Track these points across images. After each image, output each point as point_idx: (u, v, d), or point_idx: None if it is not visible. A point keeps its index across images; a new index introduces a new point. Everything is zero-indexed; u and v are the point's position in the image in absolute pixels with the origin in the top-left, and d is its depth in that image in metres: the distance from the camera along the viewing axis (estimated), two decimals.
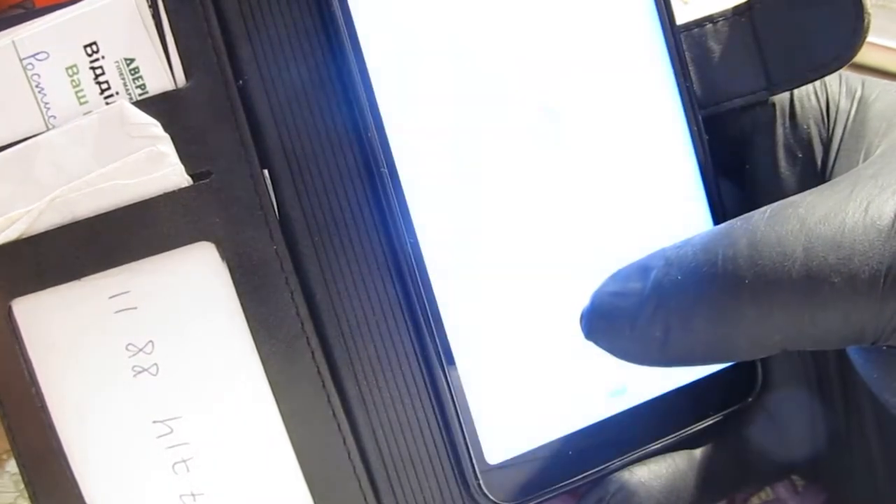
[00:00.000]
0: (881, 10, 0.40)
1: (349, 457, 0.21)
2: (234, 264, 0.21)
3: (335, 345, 0.21)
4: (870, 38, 0.41)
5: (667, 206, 0.22)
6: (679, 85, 0.21)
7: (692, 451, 0.22)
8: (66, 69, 0.20)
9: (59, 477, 0.21)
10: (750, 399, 0.22)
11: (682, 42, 0.21)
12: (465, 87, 0.20)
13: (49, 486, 0.21)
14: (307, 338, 0.21)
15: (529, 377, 0.21)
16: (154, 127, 0.20)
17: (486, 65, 0.20)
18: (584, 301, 0.17)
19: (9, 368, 0.21)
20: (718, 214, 0.22)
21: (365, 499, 0.22)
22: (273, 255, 0.21)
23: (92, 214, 0.20)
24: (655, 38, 0.21)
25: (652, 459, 0.21)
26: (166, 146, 0.20)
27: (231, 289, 0.21)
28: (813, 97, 0.21)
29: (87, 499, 0.21)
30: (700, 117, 0.21)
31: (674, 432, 0.22)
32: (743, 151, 0.22)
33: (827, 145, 0.21)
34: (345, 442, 0.21)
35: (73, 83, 0.20)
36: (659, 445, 0.22)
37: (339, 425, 0.21)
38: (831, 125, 0.21)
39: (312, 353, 0.21)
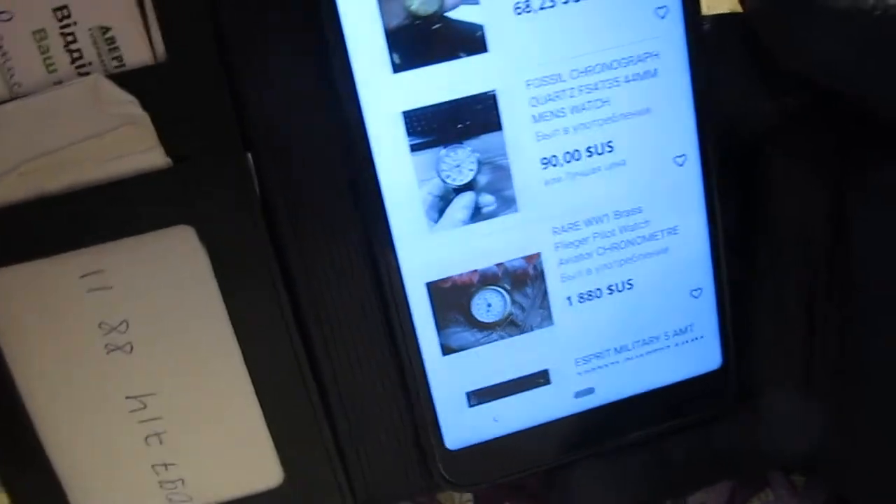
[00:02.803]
0: None
1: (321, 436, 0.22)
2: (214, 249, 0.20)
3: (313, 331, 0.21)
4: None
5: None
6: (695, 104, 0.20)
7: (661, 447, 0.22)
8: (33, 33, 0.17)
9: (29, 450, 0.21)
10: (724, 405, 0.23)
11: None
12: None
13: (17, 458, 0.21)
14: (286, 324, 0.21)
15: (496, 371, 0.21)
16: (131, 105, 0.18)
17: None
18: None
19: None
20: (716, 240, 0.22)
21: (335, 475, 0.22)
22: (254, 241, 0.20)
23: (63, 191, 0.19)
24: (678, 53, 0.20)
25: (617, 455, 0.22)
26: (144, 125, 0.18)
27: (210, 272, 0.20)
28: None
29: (57, 471, 0.21)
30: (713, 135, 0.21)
31: (640, 431, 0.22)
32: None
33: None
34: (317, 420, 0.22)
35: (41, 49, 0.18)
36: (624, 442, 0.22)
37: (313, 405, 0.22)
38: None
39: (290, 338, 0.21)
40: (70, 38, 0.18)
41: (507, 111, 0.19)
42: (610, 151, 0.20)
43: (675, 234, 0.21)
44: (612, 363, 0.22)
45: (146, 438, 0.21)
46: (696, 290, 0.22)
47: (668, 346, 0.22)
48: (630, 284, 0.21)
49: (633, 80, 0.20)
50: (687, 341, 0.22)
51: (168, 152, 0.19)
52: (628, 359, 0.22)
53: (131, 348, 0.20)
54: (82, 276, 0.20)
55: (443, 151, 0.19)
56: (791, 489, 0.25)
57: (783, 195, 0.21)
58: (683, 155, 0.21)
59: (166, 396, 0.21)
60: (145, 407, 0.21)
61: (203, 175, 0.19)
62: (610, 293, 0.21)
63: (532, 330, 0.21)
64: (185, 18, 0.18)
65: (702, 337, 0.22)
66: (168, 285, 0.20)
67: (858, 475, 0.22)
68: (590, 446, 0.22)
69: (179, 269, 0.20)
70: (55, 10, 0.17)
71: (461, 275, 0.20)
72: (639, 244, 0.21)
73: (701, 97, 0.20)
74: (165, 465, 0.22)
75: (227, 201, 0.20)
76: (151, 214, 0.19)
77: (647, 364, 0.22)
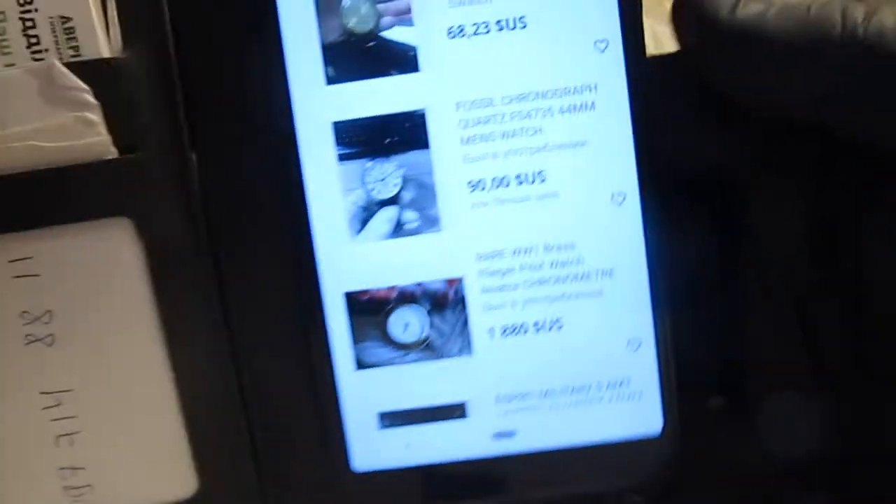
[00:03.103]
0: None
1: (241, 444, 0.21)
2: (150, 245, 0.20)
3: (241, 338, 0.21)
4: None
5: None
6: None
7: None
8: None
9: None
10: (660, 481, 0.21)
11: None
12: None
13: None
14: (217, 328, 0.21)
15: (411, 395, 0.21)
16: (85, 93, 0.19)
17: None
18: None
19: None
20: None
21: (252, 484, 0.22)
22: (191, 241, 0.20)
23: (2, 172, 0.19)
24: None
25: None
26: (95, 114, 0.19)
27: (143, 269, 0.20)
28: None
29: None
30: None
31: (562, 488, 0.21)
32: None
33: None
34: (239, 427, 0.21)
35: None
36: (542, 499, 0.21)
37: (236, 412, 0.21)
38: None
39: (220, 343, 0.21)
40: (29, 24, 0.19)
41: (436, 130, 0.20)
42: (542, 182, 0.20)
43: (612, 277, 0.20)
44: (536, 407, 0.20)
45: (57, 438, 0.21)
46: (634, 340, 0.21)
47: (601, 400, 0.21)
48: (559, 324, 0.20)
49: (569, 111, 0.20)
50: (622, 397, 0.21)
51: (114, 143, 0.20)
52: (554, 406, 0.20)
53: (52, 340, 0.21)
54: (10, 262, 0.20)
55: (369, 163, 0.20)
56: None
57: (764, 219, 0.21)
58: (623, 193, 0.20)
59: (84, 394, 0.21)
60: (60, 404, 0.21)
61: (146, 170, 0.20)
62: (536, 331, 0.20)
63: (451, 357, 0.20)
64: (143, 17, 0.20)
65: (639, 395, 0.21)
66: (99, 278, 0.20)
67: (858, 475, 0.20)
68: (505, 496, 0.21)
69: (113, 262, 0.20)
70: None
71: (380, 289, 0.20)
72: (570, 283, 0.20)
73: (642, 134, 0.20)
74: (73, 469, 0.21)
75: (168, 198, 0.20)
76: (91, 203, 0.20)
77: (575, 415, 0.20)
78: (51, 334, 0.20)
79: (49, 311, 0.20)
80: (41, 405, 0.21)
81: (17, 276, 0.20)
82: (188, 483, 0.21)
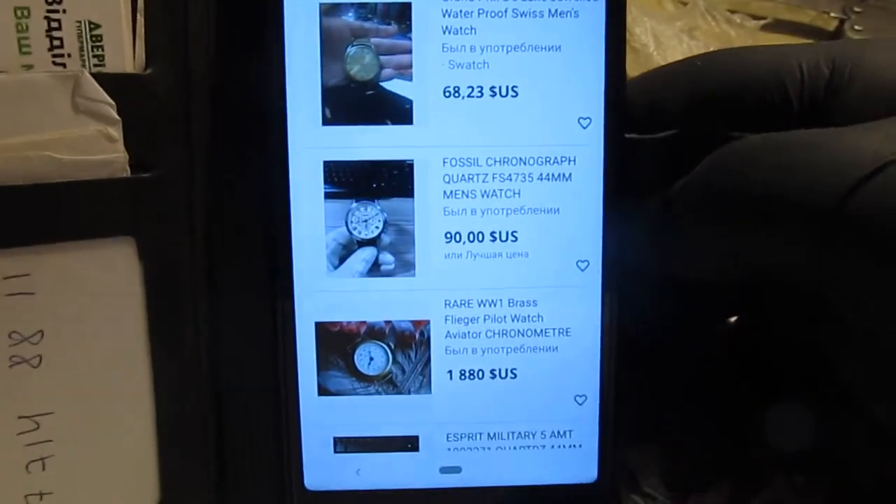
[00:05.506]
0: (881, 11, 0.40)
1: (207, 467, 0.22)
2: (150, 268, 0.20)
3: (217, 360, 0.22)
4: (869, 38, 0.39)
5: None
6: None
7: None
8: (15, 9, 0.18)
9: None
10: None
11: None
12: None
13: None
14: (202, 355, 0.22)
15: (367, 424, 0.22)
16: (108, 107, 0.19)
17: None
18: None
19: None
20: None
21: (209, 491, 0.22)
22: (190, 269, 0.21)
23: (7, 183, 0.18)
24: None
25: None
26: (116, 130, 0.19)
27: (140, 290, 0.20)
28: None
29: None
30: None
31: None
32: None
33: None
34: (208, 452, 0.22)
35: (19, 27, 0.18)
36: None
37: (207, 440, 0.22)
38: None
39: (198, 366, 0.22)
40: (55, 25, 0.18)
41: (421, 181, 0.21)
42: (514, 241, 0.21)
43: (568, 335, 0.22)
44: (483, 447, 0.22)
45: (28, 464, 0.20)
46: (580, 396, 0.22)
47: (544, 447, 0.22)
48: (514, 374, 0.22)
49: (547, 179, 0.21)
50: (564, 446, 0.22)
51: (129, 161, 0.19)
52: (500, 448, 0.22)
53: (40, 361, 0.20)
54: (5, 279, 0.19)
55: (354, 204, 0.21)
56: (791, 489, 0.24)
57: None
58: (587, 261, 0.21)
59: (64, 417, 0.20)
60: (38, 428, 0.20)
61: (157, 192, 0.20)
62: (492, 377, 0.22)
63: (409, 393, 0.22)
64: (169, 34, 0.20)
65: (580, 446, 0.22)
66: (95, 299, 0.20)
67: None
68: None
69: (112, 283, 0.20)
70: None
71: (349, 322, 0.21)
72: (528, 336, 0.22)
73: (611, 208, 0.21)
74: (41, 495, 0.21)
75: (175, 223, 0.21)
76: (97, 222, 0.19)
77: (518, 458, 0.22)
78: (38, 355, 0.20)
79: (40, 332, 0.20)
80: (17, 430, 0.20)
81: (11, 294, 0.19)
82: (150, 498, 0.21)
